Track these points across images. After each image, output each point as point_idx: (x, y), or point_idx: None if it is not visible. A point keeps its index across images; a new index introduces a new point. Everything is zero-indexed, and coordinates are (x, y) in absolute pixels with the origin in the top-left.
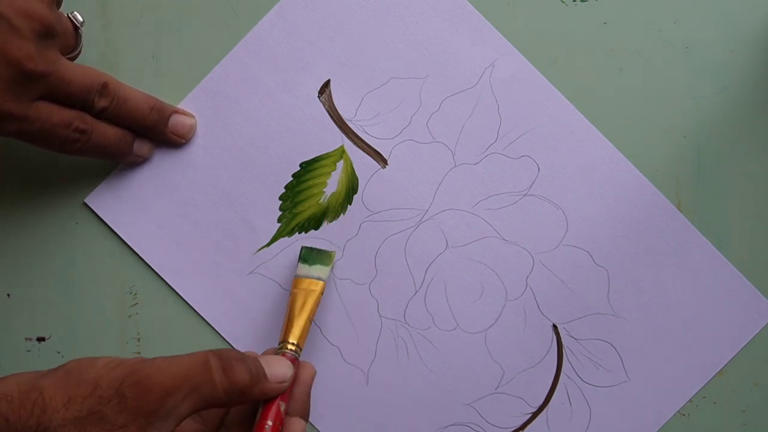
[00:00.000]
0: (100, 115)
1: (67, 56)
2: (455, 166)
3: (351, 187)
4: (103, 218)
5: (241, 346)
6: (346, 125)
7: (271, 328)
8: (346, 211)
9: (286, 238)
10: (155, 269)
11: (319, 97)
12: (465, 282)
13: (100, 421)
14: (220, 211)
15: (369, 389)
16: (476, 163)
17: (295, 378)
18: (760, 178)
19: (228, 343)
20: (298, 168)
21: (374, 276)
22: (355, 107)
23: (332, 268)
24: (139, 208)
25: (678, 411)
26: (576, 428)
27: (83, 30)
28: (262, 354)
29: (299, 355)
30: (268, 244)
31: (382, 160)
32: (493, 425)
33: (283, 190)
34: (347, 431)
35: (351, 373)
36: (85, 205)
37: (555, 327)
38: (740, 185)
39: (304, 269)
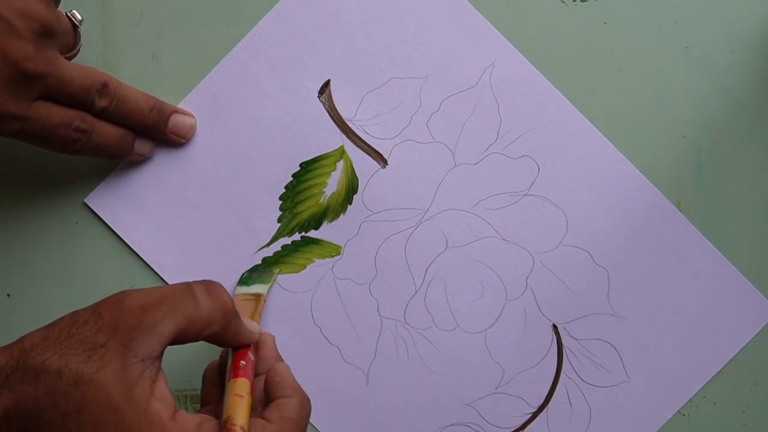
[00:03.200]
0: (100, 114)
1: (66, 55)
2: (455, 166)
3: (351, 187)
4: (103, 218)
5: None
6: (346, 125)
7: (271, 328)
8: (346, 211)
9: (286, 238)
10: (155, 269)
11: (319, 97)
12: (465, 282)
13: (79, 343)
14: (220, 211)
15: (369, 389)
16: (476, 163)
17: (258, 347)
18: (760, 178)
19: None
20: (298, 168)
21: (374, 276)
22: (355, 107)
23: (272, 285)
24: (139, 208)
25: (678, 411)
26: (576, 428)
27: (82, 29)
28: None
29: None
30: (268, 244)
31: (382, 160)
32: (493, 425)
33: (283, 190)
34: (347, 431)
35: (351, 373)
36: (85, 205)
37: (555, 327)
38: (740, 185)
39: (241, 290)
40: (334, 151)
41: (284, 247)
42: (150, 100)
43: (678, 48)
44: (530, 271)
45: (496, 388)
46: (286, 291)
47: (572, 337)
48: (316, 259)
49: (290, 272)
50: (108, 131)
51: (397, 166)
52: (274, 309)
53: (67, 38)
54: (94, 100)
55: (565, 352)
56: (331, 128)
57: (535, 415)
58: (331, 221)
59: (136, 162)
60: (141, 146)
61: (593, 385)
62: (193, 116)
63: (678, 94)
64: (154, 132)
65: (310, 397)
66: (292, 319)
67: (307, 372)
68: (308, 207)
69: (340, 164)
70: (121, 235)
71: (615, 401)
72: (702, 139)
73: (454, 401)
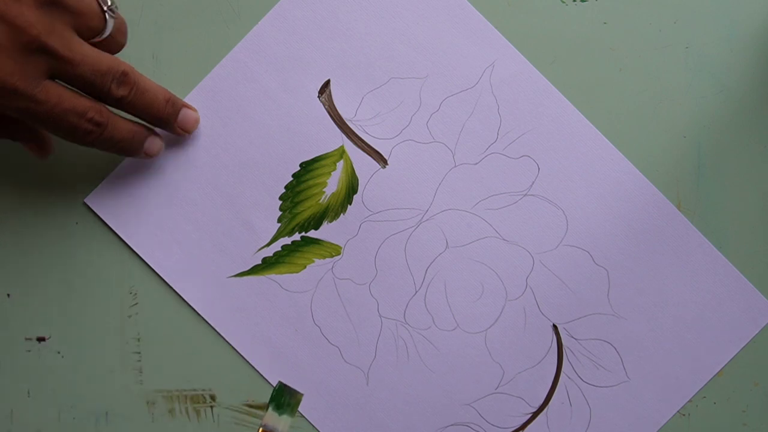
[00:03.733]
0: (118, 104)
1: (92, 41)
2: (455, 166)
3: (351, 187)
4: (102, 218)
5: (241, 346)
6: (346, 125)
7: (272, 329)
8: (346, 211)
9: (286, 238)
10: (155, 269)
11: (319, 97)
12: (465, 282)
13: None
14: (220, 211)
15: (369, 389)
16: (476, 163)
17: None
18: (760, 178)
19: (228, 342)
20: (298, 168)
21: (374, 276)
22: (355, 107)
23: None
24: (138, 208)
25: (678, 411)
26: (576, 428)
27: (117, 15)
28: None
29: None
30: (268, 244)
31: (382, 160)
32: (493, 425)
33: (283, 190)
34: (347, 431)
35: (351, 373)
36: (85, 205)
37: (555, 327)
38: (740, 185)
39: (272, 418)
40: (334, 151)
41: (284, 247)
42: (165, 93)
43: (678, 48)
44: (530, 271)
45: (496, 388)
46: (286, 291)
47: (572, 337)
48: (316, 259)
49: (290, 272)
50: (122, 127)
51: (397, 166)
52: (275, 309)
53: (90, 19)
54: (112, 87)
55: (565, 352)
56: (331, 128)
57: (535, 415)
58: (331, 221)
59: (142, 160)
60: (150, 145)
61: (593, 385)
62: (197, 111)
63: (678, 94)
64: (166, 124)
65: (311, 397)
66: (292, 319)
67: (307, 372)
68: (308, 207)
69: (340, 164)
70: (120, 235)
71: (615, 401)
72: (702, 139)
73: (454, 401)
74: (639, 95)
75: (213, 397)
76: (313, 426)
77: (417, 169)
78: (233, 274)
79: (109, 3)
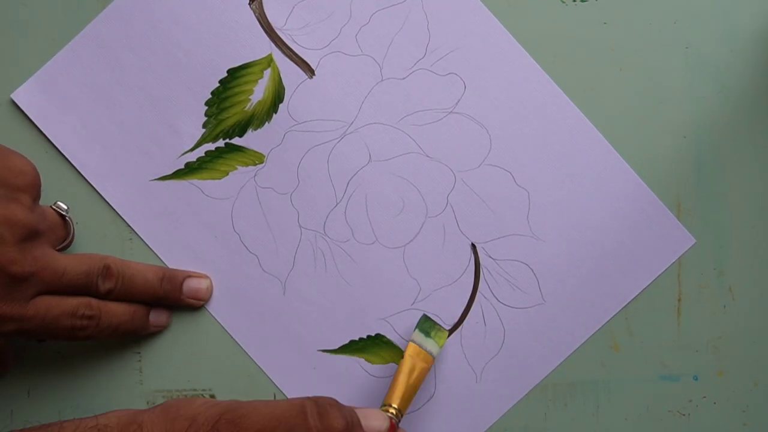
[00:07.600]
0: (108, 297)
1: (60, 246)
2: (382, 80)
3: (277, 96)
4: (29, 115)
5: (161, 250)
6: (275, 34)
7: (192, 234)
8: (272, 120)
9: (210, 143)
10: (78, 168)
11: (249, 4)
12: (386, 196)
13: None
14: (146, 114)
15: (286, 299)
16: (403, 78)
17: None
18: (760, 178)
19: (227, 342)
20: (225, 74)
21: (296, 186)
22: (285, 16)
23: (442, 347)
24: (64, 106)
25: (677, 410)
26: (490, 348)
27: (71, 215)
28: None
29: (399, 421)
30: (192, 149)
31: (309, 71)
32: (408, 341)
33: (209, 96)
34: (262, 340)
35: (268, 282)
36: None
37: (473, 246)
38: (740, 185)
39: (420, 337)
40: (262, 59)
41: (207, 152)
42: (159, 270)
43: (678, 48)
44: (451, 188)
45: (411, 304)
46: (208, 197)
47: (490, 256)
48: (238, 167)
49: (212, 178)
50: (117, 311)
51: (324, 77)
52: (195, 214)
53: (57, 232)
54: (98, 283)
55: (482, 271)
56: (260, 36)
57: (449, 333)
58: (255, 129)
59: (154, 333)
60: (157, 318)
61: (509, 306)
62: (207, 276)
63: (678, 94)
64: (169, 301)
65: (227, 304)
66: (212, 225)
67: (224, 279)
68: (234, 114)
69: (268, 72)
70: (45, 133)
71: (529, 323)
72: (702, 139)
73: (370, 315)
74: (639, 95)
75: (213, 397)
76: (229, 334)
77: (344, 81)
78: (156, 177)
79: (65, 207)
